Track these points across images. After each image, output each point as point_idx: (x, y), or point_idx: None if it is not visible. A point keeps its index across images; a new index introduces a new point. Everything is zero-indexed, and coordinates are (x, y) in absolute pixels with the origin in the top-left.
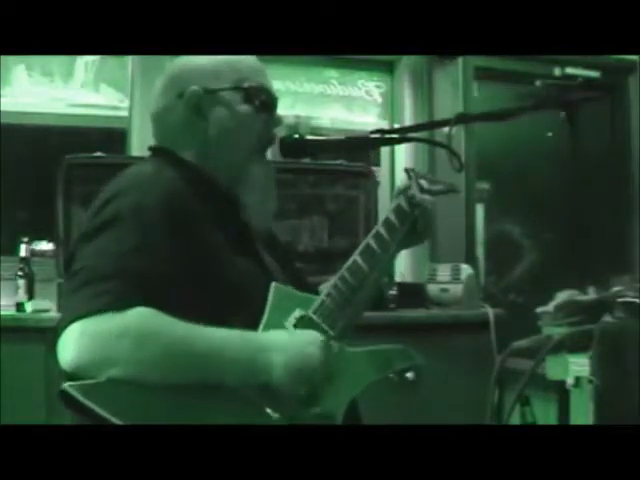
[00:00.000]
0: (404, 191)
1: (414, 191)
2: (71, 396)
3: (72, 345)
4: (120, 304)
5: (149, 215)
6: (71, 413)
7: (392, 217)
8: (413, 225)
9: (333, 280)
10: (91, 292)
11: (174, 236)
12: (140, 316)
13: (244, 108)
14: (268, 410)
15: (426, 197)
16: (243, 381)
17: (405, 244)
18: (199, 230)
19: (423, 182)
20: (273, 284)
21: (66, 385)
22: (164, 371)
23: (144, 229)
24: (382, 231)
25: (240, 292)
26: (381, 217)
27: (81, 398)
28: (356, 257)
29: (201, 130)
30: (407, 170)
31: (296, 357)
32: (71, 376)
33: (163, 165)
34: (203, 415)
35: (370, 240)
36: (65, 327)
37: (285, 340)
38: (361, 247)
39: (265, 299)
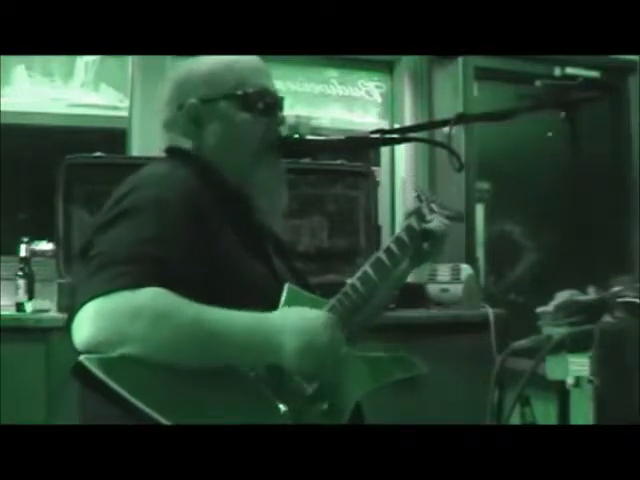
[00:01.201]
0: (416, 212)
1: (426, 213)
2: (86, 368)
3: (87, 323)
4: (137, 285)
5: (168, 207)
6: (80, 389)
7: (403, 235)
8: (422, 245)
9: (344, 288)
10: (107, 275)
11: (191, 230)
12: (155, 296)
13: (241, 114)
14: (277, 403)
15: (444, 220)
16: (255, 361)
17: (415, 262)
18: (214, 228)
19: (434, 206)
20: (287, 285)
21: (82, 357)
22: (178, 349)
23: (163, 220)
24: (393, 247)
25: (252, 290)
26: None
27: (96, 370)
28: (367, 268)
29: (202, 140)
30: (418, 194)
31: (305, 335)
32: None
33: (179, 164)
34: (213, 402)
35: (381, 254)
36: (80, 307)
37: (295, 320)
38: (372, 259)
39: (275, 299)
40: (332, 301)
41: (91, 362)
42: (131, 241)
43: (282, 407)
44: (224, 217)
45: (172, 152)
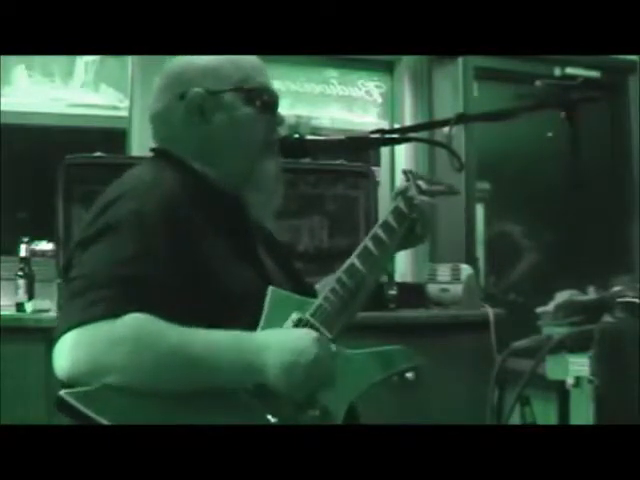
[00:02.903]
0: (402, 193)
1: (413, 192)
2: (68, 403)
3: (67, 354)
4: (115, 312)
5: (148, 222)
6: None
7: (390, 219)
8: (412, 227)
9: (331, 283)
10: (86, 301)
11: (173, 243)
12: (135, 322)
13: (247, 109)
14: (266, 415)
15: (424, 198)
16: (239, 383)
17: (404, 245)
18: (199, 236)
19: (421, 183)
20: (270, 288)
21: (62, 392)
22: (161, 376)
23: (142, 236)
24: (380, 233)
25: (239, 298)
26: (380, 218)
27: (78, 405)
28: (354, 259)
29: (204, 132)
30: (405, 172)
31: (290, 354)
32: (67, 384)
33: (164, 168)
34: (202, 421)
35: (368, 242)
36: (60, 336)
37: (279, 339)
38: (359, 249)
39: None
40: (319, 300)
41: (71, 396)
42: (110, 261)
43: (272, 419)
44: (212, 221)
45: (158, 153)
